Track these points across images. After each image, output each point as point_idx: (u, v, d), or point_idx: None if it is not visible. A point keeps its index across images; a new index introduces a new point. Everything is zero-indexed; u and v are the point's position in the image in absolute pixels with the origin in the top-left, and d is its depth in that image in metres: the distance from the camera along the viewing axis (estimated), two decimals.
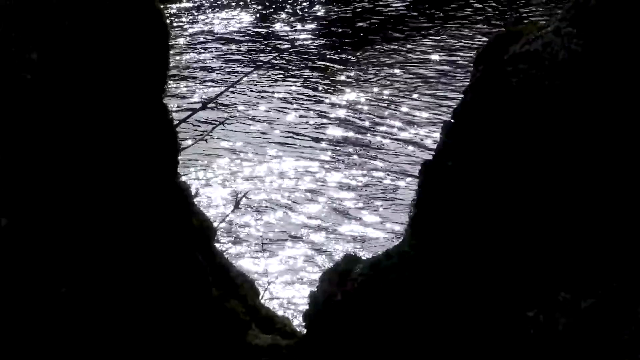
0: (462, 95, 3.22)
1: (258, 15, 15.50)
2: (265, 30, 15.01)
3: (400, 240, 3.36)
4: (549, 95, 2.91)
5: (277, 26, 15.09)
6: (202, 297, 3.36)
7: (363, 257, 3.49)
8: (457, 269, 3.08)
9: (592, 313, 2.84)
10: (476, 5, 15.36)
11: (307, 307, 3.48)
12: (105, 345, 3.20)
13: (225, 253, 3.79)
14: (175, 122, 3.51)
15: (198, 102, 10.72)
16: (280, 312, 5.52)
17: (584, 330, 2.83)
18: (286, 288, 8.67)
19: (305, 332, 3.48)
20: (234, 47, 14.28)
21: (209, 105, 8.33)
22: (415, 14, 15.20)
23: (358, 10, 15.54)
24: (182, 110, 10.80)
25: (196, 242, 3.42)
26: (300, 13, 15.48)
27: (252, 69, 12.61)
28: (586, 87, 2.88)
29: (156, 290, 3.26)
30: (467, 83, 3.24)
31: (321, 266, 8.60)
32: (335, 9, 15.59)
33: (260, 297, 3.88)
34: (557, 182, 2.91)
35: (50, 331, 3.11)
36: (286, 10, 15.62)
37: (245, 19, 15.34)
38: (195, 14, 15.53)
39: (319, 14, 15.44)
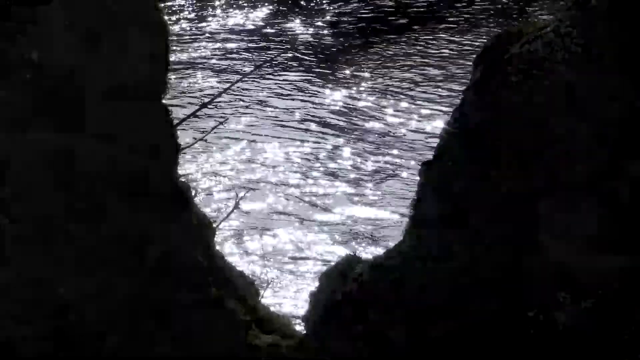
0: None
1: (264, 13, 15.46)
2: (269, 28, 14.97)
3: (401, 239, 3.36)
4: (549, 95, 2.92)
5: (282, 24, 15.04)
6: (201, 297, 3.36)
7: (363, 257, 3.48)
8: (456, 269, 3.08)
9: (592, 313, 2.84)
10: (488, 6, 15.31)
11: (307, 307, 3.48)
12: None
13: (225, 253, 3.79)
14: (175, 122, 3.50)
15: (198, 102, 10.70)
16: (280, 313, 5.51)
17: (584, 330, 2.83)
18: (286, 288, 8.66)
19: (304, 332, 3.48)
20: (236, 46, 14.24)
21: (209, 105, 8.33)
22: (427, 11, 15.15)
23: (370, 7, 15.49)
24: (182, 110, 10.79)
25: (196, 242, 3.42)
26: (309, 11, 15.40)
27: (253, 68, 12.60)
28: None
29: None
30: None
31: (322, 266, 8.59)
32: (349, 6, 15.51)
33: (260, 297, 3.88)
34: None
35: None
36: (294, 7, 15.53)
37: (250, 16, 15.30)
38: (198, 11, 15.51)
39: (328, 10, 15.37)
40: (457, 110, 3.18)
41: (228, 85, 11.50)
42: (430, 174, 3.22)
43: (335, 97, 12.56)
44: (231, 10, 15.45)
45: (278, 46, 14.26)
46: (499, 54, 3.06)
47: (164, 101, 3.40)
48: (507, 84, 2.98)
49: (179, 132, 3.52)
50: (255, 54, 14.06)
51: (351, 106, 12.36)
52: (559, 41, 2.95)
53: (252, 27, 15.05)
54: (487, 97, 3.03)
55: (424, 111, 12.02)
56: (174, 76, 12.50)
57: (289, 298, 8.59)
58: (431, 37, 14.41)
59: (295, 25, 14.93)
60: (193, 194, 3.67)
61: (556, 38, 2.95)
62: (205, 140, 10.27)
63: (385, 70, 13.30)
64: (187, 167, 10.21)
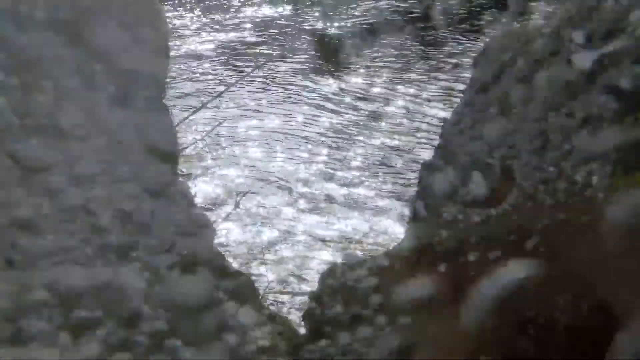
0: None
1: (268, 11, 15.43)
2: (273, 26, 14.94)
3: (402, 239, 3.37)
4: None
5: (301, 17, 14.99)
6: (201, 297, 3.37)
7: (364, 257, 3.49)
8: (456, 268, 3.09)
9: (591, 313, 2.84)
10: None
11: (307, 307, 3.49)
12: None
13: (225, 253, 3.80)
14: (176, 122, 3.51)
15: (198, 102, 10.72)
16: (280, 312, 5.52)
17: (583, 330, 2.84)
18: (286, 288, 8.67)
19: (305, 332, 3.49)
20: (237, 45, 14.24)
21: (208, 105, 8.34)
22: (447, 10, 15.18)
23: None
24: (182, 110, 10.80)
25: (196, 242, 3.43)
26: (331, 6, 15.33)
27: (253, 68, 12.61)
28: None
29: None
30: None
31: (322, 266, 8.60)
32: (378, 3, 15.48)
33: (260, 297, 3.89)
34: None
35: None
36: (316, 3, 15.47)
37: (254, 15, 15.28)
38: (200, 9, 15.49)
39: (352, 7, 15.31)
40: (456, 110, 3.19)
41: (228, 85, 11.53)
42: (430, 173, 3.23)
43: (345, 88, 12.56)
44: (228, 10, 15.41)
45: (286, 42, 14.24)
46: (498, 55, 3.07)
47: (164, 101, 3.42)
48: (507, 84, 2.99)
49: (179, 132, 3.53)
50: (256, 53, 14.06)
51: (354, 102, 12.36)
52: (559, 41, 2.95)
53: (253, 26, 15.04)
54: (485, 98, 3.05)
55: (433, 108, 12.04)
56: (174, 76, 12.50)
57: (289, 297, 8.60)
58: (449, 33, 14.41)
59: (315, 19, 14.89)
60: (193, 193, 3.68)
61: (556, 38, 2.96)
62: (206, 140, 10.29)
63: (397, 65, 13.31)
64: (187, 167, 10.23)
